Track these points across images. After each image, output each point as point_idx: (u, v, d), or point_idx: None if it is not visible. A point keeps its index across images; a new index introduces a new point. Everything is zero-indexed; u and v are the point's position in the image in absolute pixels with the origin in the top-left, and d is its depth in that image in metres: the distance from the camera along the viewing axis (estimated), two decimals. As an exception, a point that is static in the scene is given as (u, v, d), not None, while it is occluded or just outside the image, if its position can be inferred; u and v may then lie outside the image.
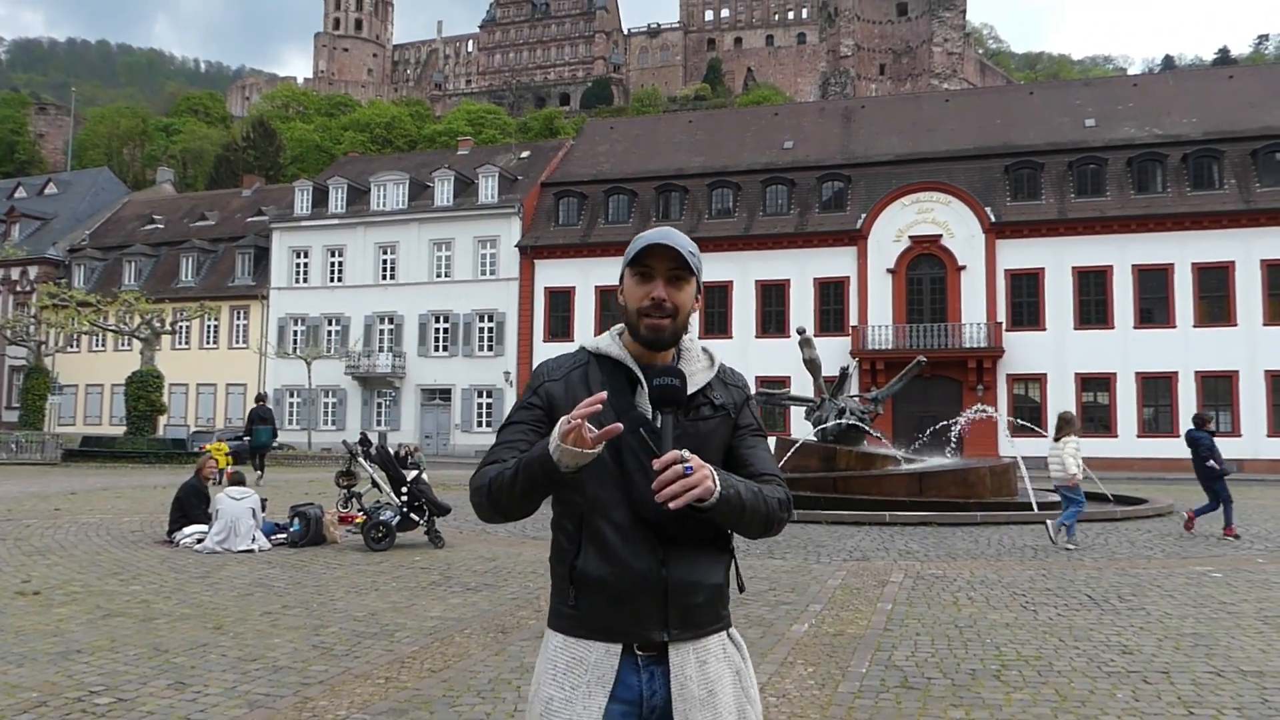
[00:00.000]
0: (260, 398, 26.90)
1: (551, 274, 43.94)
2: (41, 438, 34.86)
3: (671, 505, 1.91)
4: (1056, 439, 12.28)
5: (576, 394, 2.11)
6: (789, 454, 16.59)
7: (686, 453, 1.95)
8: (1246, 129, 38.22)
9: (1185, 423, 35.64)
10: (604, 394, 1.97)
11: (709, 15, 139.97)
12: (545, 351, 43.31)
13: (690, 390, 2.14)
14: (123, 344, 46.24)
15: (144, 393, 33.97)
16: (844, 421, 17.24)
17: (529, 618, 7.45)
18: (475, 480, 2.12)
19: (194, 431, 43.17)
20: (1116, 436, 36.45)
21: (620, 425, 1.93)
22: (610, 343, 2.22)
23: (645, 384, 2.12)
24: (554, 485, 1.98)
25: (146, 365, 34.69)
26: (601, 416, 2.00)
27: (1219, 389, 36.02)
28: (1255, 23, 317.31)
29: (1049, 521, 12.10)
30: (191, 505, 11.89)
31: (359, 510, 12.12)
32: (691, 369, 2.21)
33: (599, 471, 2.04)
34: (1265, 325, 35.71)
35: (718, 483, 1.97)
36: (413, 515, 11.31)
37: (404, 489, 11.36)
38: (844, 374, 18.57)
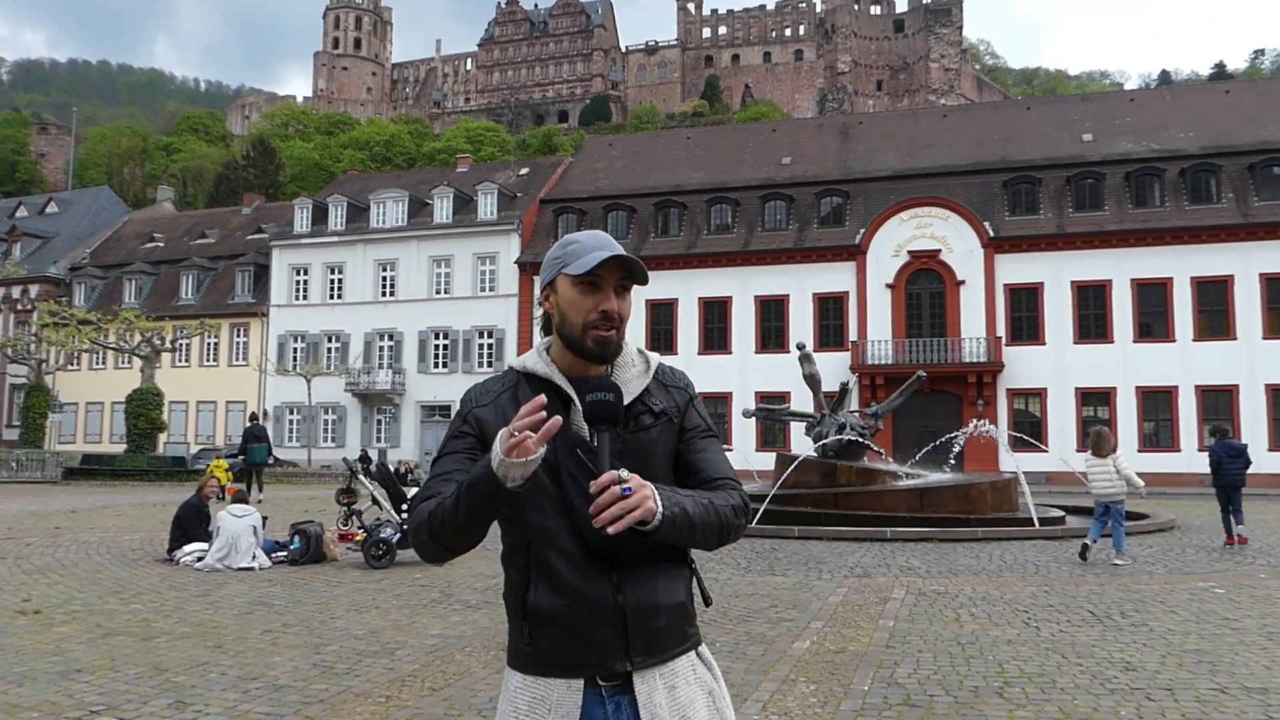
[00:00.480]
0: (254, 416, 27.69)
1: (551, 290, 43.88)
2: (42, 456, 34.84)
3: (610, 530, 1.80)
4: (1101, 454, 12.18)
5: (507, 417, 1.95)
6: (790, 469, 16.57)
7: (624, 472, 1.84)
8: (1244, 143, 38.33)
9: (1187, 437, 35.86)
10: (543, 398, 1.83)
11: (706, 33, 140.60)
12: (545, 368, 43.30)
13: (627, 400, 2.03)
14: (123, 362, 46.28)
15: (144, 410, 33.98)
16: (844, 437, 17.23)
17: (530, 636, 7.41)
18: (412, 520, 1.98)
19: (200, 449, 43.21)
20: (1116, 451, 36.31)
21: (559, 418, 1.80)
22: (537, 360, 2.11)
23: (577, 401, 2.01)
24: (501, 504, 1.84)
25: (147, 383, 34.70)
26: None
27: (1219, 403, 36.00)
28: (1251, 38, 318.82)
29: (1088, 543, 11.90)
30: (192, 524, 11.87)
31: (359, 528, 12.10)
32: (625, 376, 2.09)
33: (540, 499, 1.94)
34: (1265, 339, 35.72)
35: (659, 502, 1.85)
36: (413, 533, 11.26)
37: (404, 506, 11.33)
38: (844, 389, 18.57)
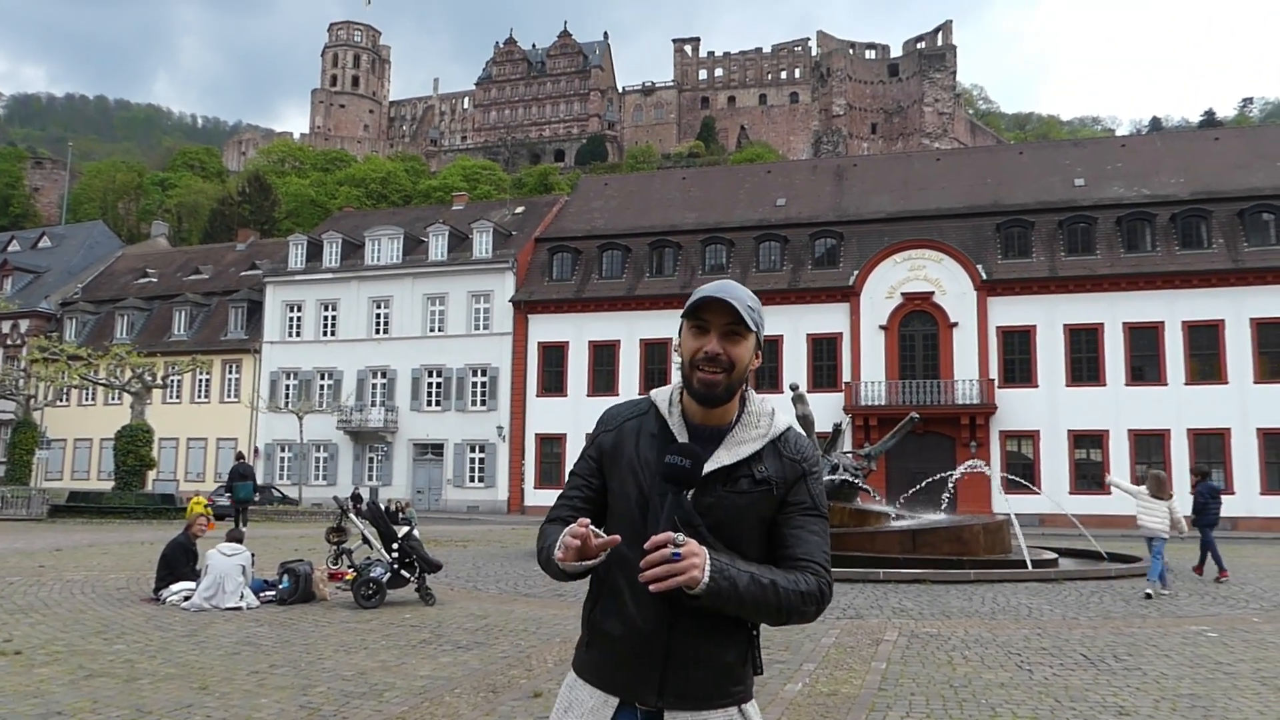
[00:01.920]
0: (240, 455, 28.76)
1: (545, 329, 44.04)
2: (28, 493, 34.51)
3: (652, 589, 1.89)
4: (1159, 497, 13.40)
5: (625, 445, 2.12)
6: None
7: (680, 536, 1.90)
8: (1233, 190, 38.73)
9: (1180, 480, 35.78)
10: (583, 531, 1.95)
11: (703, 74, 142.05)
12: (538, 406, 43.29)
13: (728, 462, 2.08)
14: (113, 398, 46.09)
15: (134, 447, 33.74)
16: (837, 478, 17.19)
17: (520, 677, 7.35)
18: (540, 539, 2.20)
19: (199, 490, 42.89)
20: (1109, 494, 36.27)
21: (618, 537, 1.96)
22: (664, 398, 2.19)
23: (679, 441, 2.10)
24: (562, 579, 2.07)
25: (137, 419, 34.52)
26: (641, 474, 2.09)
27: (1211, 446, 36.05)
28: (1240, 86, 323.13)
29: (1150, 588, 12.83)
30: (179, 562, 11.75)
31: (349, 567, 12.00)
32: (743, 435, 2.13)
33: (625, 528, 2.05)
34: (1256, 383, 35.86)
35: (706, 572, 1.90)
36: (403, 572, 11.20)
37: (395, 545, 11.26)
38: (837, 430, 18.58)
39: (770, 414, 2.18)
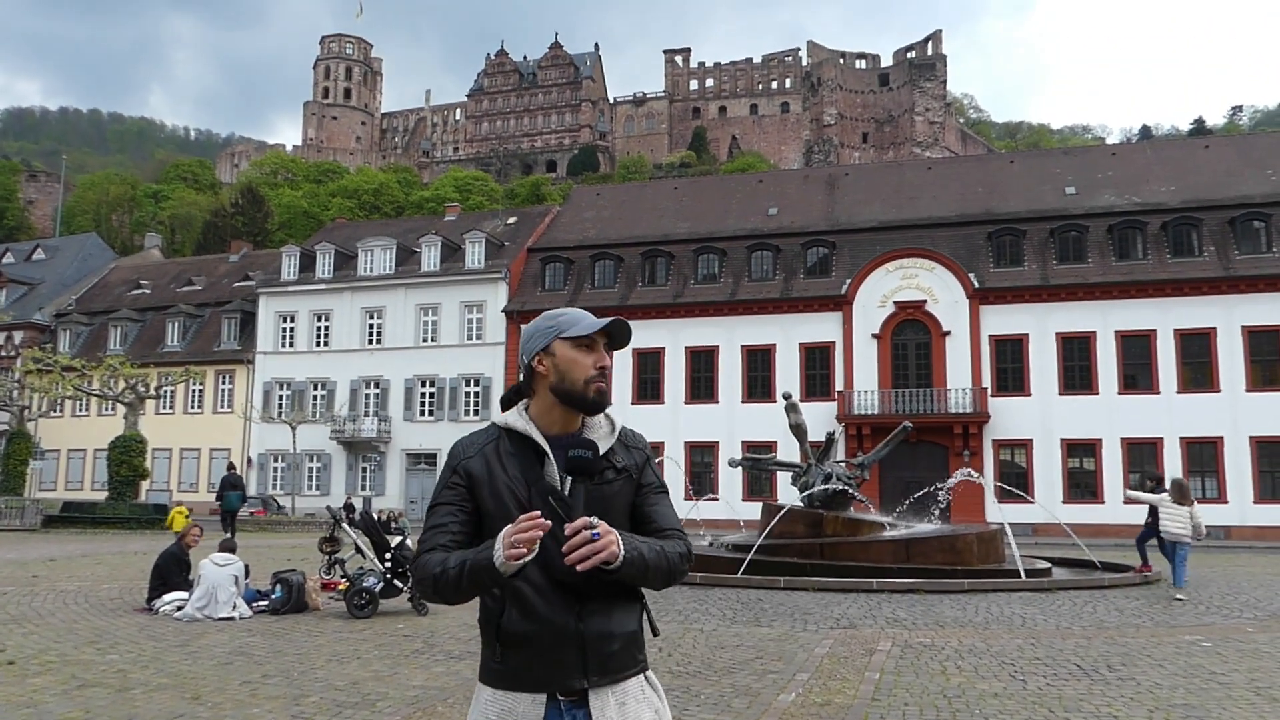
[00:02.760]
0: (231, 466, 30.13)
1: (538, 339, 43.91)
2: (22, 503, 34.37)
3: (579, 568, 2.12)
4: (1182, 503, 14.13)
5: (492, 468, 2.33)
6: (775, 520, 16.51)
7: (594, 519, 2.16)
8: (1224, 198, 38.89)
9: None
10: (540, 520, 2.12)
11: (694, 85, 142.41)
12: (532, 416, 43.16)
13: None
14: (106, 409, 45.97)
15: (127, 458, 33.70)
16: (831, 487, 17.20)
17: (513, 688, 7.32)
18: (419, 570, 2.30)
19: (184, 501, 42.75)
20: (1103, 503, 36.41)
21: (549, 523, 2.12)
22: (517, 418, 2.40)
23: (551, 455, 2.33)
24: (498, 586, 2.21)
25: (130, 430, 34.47)
26: (514, 487, 2.31)
27: (1204, 455, 36.15)
28: (1229, 94, 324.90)
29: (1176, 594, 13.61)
30: (172, 572, 11.72)
31: (342, 576, 11.98)
32: (595, 435, 2.41)
33: None
34: (1248, 391, 35.96)
35: (622, 546, 2.17)
36: (396, 582, 11.18)
37: (388, 555, 11.24)
38: (830, 439, 18.56)
39: (606, 415, 2.47)
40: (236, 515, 25.58)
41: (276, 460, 47.03)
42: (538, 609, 2.24)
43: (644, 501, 2.44)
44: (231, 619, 10.74)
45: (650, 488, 2.46)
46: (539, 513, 2.15)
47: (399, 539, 11.57)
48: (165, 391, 43.84)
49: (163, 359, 48.56)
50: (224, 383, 49.45)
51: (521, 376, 2.48)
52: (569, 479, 2.31)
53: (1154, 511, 15.79)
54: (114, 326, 52.66)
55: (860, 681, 7.69)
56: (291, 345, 48.37)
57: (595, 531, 2.13)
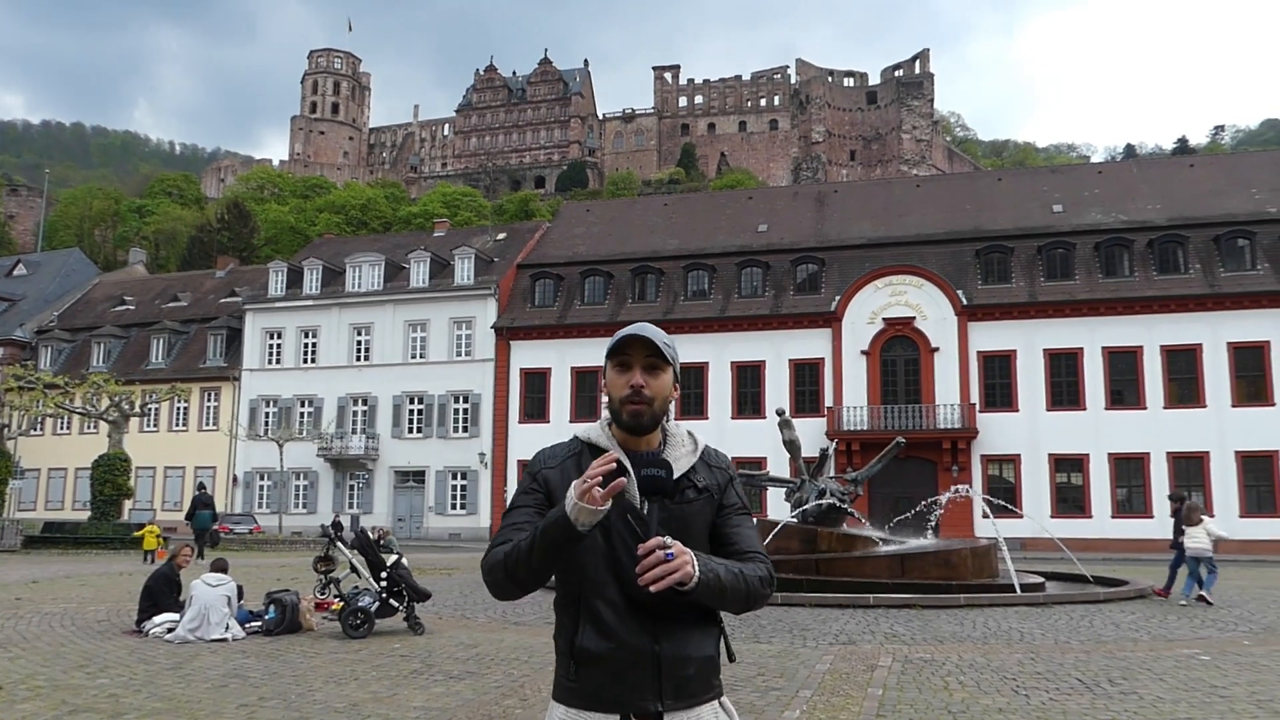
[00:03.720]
0: (201, 485, 31.07)
1: (527, 355, 43.96)
2: (1, 524, 34.01)
3: (652, 589, 2.09)
4: (1193, 524, 15.08)
5: (571, 480, 2.22)
6: (770, 536, 16.45)
7: (668, 539, 2.14)
8: (1209, 216, 39.22)
9: (1159, 503, 36.10)
10: (617, 453, 2.20)
11: (683, 101, 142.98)
12: (520, 433, 43.11)
13: (674, 475, 2.30)
14: (89, 427, 45.58)
15: (111, 476, 33.39)
16: (825, 502, 17.17)
17: (515, 707, 7.25)
18: (487, 560, 2.28)
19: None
20: (1091, 517, 36.52)
21: (624, 480, 2.10)
22: (600, 433, 2.38)
23: (632, 472, 2.26)
24: (569, 544, 2.15)
25: (114, 448, 34.16)
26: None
27: (1190, 469, 36.31)
28: (1212, 114, 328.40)
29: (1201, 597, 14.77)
30: (162, 594, 11.56)
31: (336, 596, 11.85)
32: (676, 454, 2.38)
33: (594, 554, 2.23)
34: (1234, 407, 36.18)
35: (697, 567, 2.14)
36: (392, 601, 11.07)
37: (383, 574, 11.13)
38: (824, 455, 18.57)
39: (689, 434, 2.47)
40: (208, 534, 25.87)
41: (263, 478, 46.70)
42: (614, 628, 2.22)
43: (725, 522, 2.40)
44: (224, 640, 10.60)
45: (732, 509, 2.42)
46: (614, 454, 2.18)
47: (395, 557, 11.45)
48: (150, 409, 43.51)
49: (147, 376, 48.18)
50: (209, 400, 49.11)
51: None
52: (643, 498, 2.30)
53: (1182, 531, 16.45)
54: (97, 343, 52.27)
55: (864, 698, 7.65)
56: (278, 362, 48.12)
57: (669, 551, 2.10)
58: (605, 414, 2.44)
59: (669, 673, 2.22)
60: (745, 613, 2.32)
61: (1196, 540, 15.01)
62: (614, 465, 2.11)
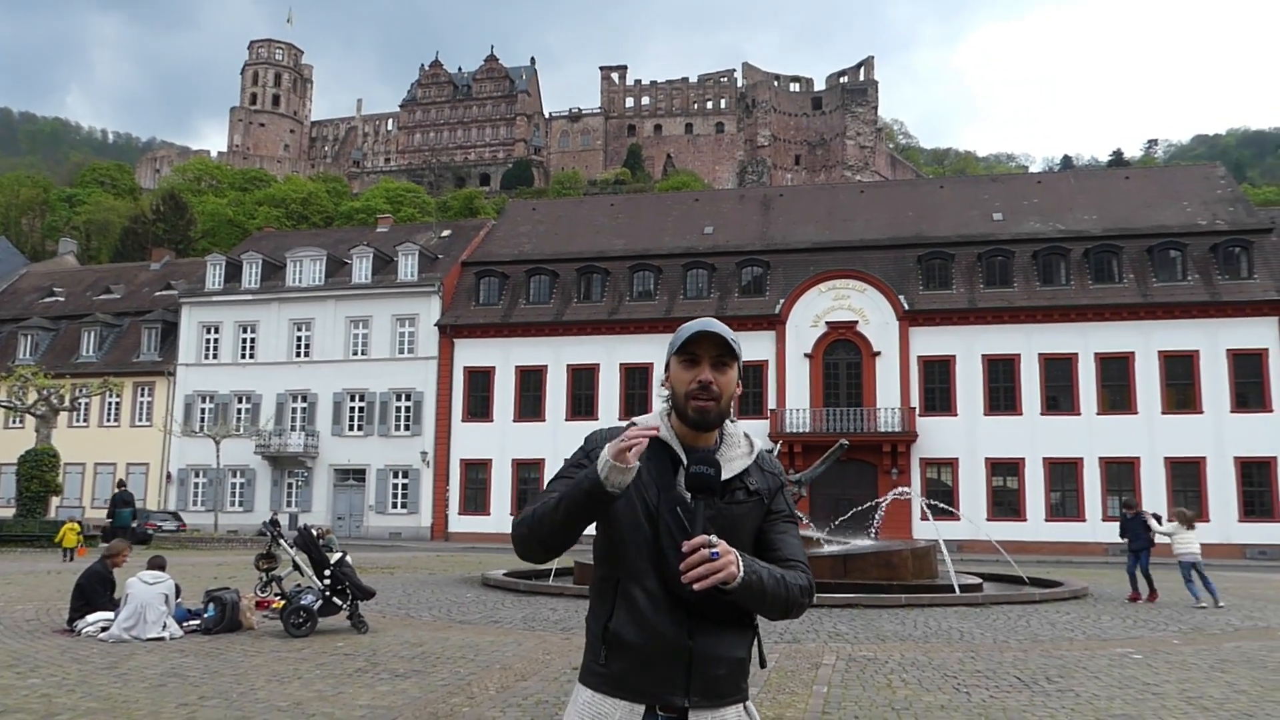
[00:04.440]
0: (121, 483, 31.17)
1: (471, 353, 43.65)
2: (-77, 520, 32.90)
3: (695, 586, 2.08)
4: (1189, 528, 15.64)
5: None
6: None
7: (714, 538, 2.11)
8: (1142, 227, 40.25)
9: (1091, 507, 37.02)
10: (657, 425, 2.22)
11: (630, 102, 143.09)
12: (463, 432, 42.82)
13: (725, 476, 2.29)
14: (15, 421, 44.26)
15: (38, 472, 32.43)
16: (768, 504, 17.26)
17: (462, 705, 7.19)
18: (519, 517, 2.27)
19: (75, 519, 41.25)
20: (1025, 520, 37.27)
21: (655, 429, 2.17)
22: (659, 421, 2.34)
23: (681, 462, 2.28)
24: (597, 505, 2.15)
25: (42, 443, 33.23)
26: (645, 491, 2.24)
27: (1122, 475, 37.21)
28: (1145, 128, 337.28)
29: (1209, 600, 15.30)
30: (95, 592, 11.25)
31: (278, 594, 11.66)
32: (730, 455, 2.36)
33: (638, 540, 2.24)
34: (1164, 413, 37.16)
35: (741, 568, 2.13)
36: (335, 599, 10.92)
37: (327, 572, 10.98)
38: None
39: (746, 435, 2.45)
40: (128, 531, 25.87)
41: (198, 476, 45.78)
42: (648, 617, 2.21)
43: (771, 528, 2.40)
44: (162, 639, 10.36)
45: (780, 515, 2.42)
46: (656, 426, 2.20)
47: (338, 555, 11.30)
48: (80, 404, 42.38)
49: (77, 370, 46.92)
50: (143, 395, 48.00)
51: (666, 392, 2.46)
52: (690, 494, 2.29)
53: (1137, 538, 16.84)
54: (24, 335, 50.77)
55: (809, 695, 7.73)
56: (215, 357, 47.20)
57: (715, 550, 2.09)
58: (661, 404, 2.43)
59: (699, 670, 2.22)
60: (782, 620, 2.33)
61: (1187, 547, 15.45)
62: (655, 431, 2.14)
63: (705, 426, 2.32)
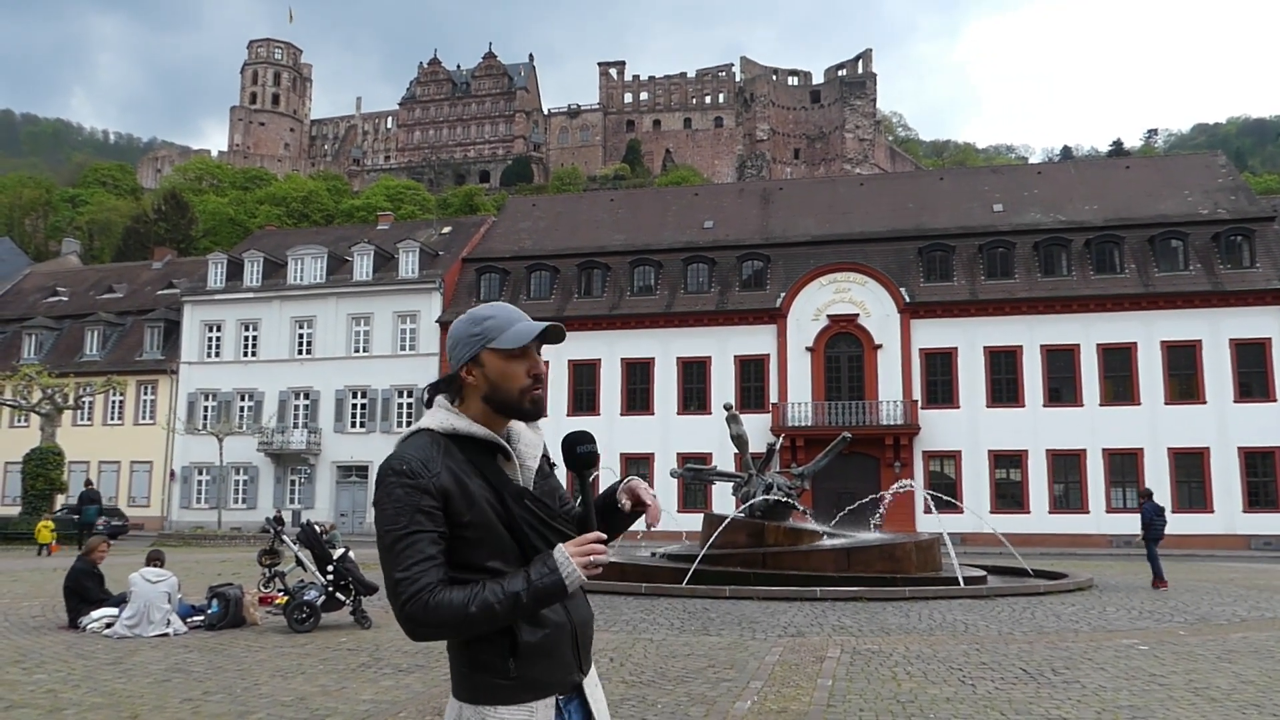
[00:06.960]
0: (89, 482, 32.38)
1: (473, 350, 43.49)
2: (-71, 519, 33.01)
3: (590, 574, 2.16)
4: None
5: (462, 481, 2.14)
6: (719, 530, 16.52)
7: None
8: (1144, 217, 40.16)
9: (1095, 499, 36.99)
10: (602, 536, 2.18)
11: (628, 98, 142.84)
12: (465, 428, 42.70)
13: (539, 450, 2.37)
14: (20, 420, 44.38)
15: (43, 471, 32.58)
16: (771, 498, 17.29)
17: (466, 701, 7.17)
18: (433, 612, 2.02)
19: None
20: (1029, 513, 37.23)
21: (604, 538, 2.19)
22: (464, 421, 2.24)
23: (513, 456, 2.25)
24: (553, 605, 2.19)
25: (46, 442, 33.31)
26: (487, 495, 2.17)
27: (1125, 466, 37.15)
28: (1145, 118, 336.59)
29: None
30: (88, 589, 11.26)
31: (281, 590, 11.66)
32: (532, 437, 2.37)
33: (501, 548, 2.17)
34: (1167, 404, 37.08)
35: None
36: (338, 595, 10.92)
37: (330, 568, 10.97)
38: (771, 450, 18.69)
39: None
40: (93, 528, 26.45)
41: (201, 473, 45.83)
42: (547, 615, 2.19)
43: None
44: (165, 635, 10.37)
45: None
46: (600, 534, 2.18)
47: (341, 550, 11.29)
48: (84, 402, 42.47)
49: (81, 368, 46.99)
50: (146, 393, 48.05)
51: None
52: (577, 476, 2.32)
53: (1147, 524, 17.30)
54: (28, 334, 50.83)
55: (814, 688, 7.71)
56: (218, 355, 47.23)
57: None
58: (445, 400, 2.30)
59: (583, 641, 2.29)
60: None
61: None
62: (604, 540, 2.18)
63: (539, 416, 2.32)
